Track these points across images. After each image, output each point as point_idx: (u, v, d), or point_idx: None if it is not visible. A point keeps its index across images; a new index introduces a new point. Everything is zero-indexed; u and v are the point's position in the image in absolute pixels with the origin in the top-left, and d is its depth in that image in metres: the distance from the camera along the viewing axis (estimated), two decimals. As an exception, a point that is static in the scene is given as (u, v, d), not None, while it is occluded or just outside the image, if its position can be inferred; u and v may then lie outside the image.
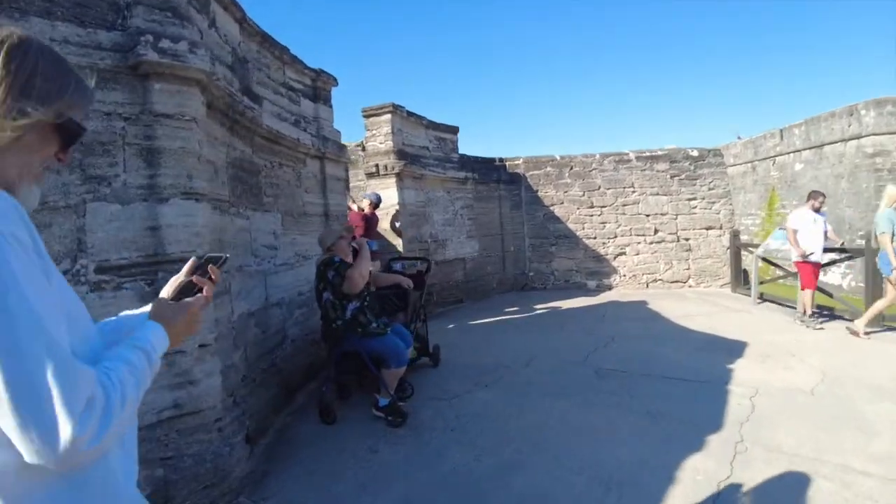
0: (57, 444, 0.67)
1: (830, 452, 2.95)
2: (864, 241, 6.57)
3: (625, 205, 10.40)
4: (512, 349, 5.66)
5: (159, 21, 2.55)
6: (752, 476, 2.75)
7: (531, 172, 10.55)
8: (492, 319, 7.57)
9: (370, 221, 6.54)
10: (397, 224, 7.62)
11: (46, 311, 0.70)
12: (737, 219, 10.76)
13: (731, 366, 4.69)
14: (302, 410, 3.95)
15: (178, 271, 2.62)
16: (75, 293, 0.87)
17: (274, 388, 3.80)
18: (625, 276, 10.37)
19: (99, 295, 2.35)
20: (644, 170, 10.36)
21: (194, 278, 1.05)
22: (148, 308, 1.01)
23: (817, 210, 6.24)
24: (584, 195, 10.46)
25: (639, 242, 10.37)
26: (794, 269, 6.68)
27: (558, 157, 10.63)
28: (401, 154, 7.73)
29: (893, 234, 5.15)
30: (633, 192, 10.39)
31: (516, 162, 10.62)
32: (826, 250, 6.38)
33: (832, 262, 7.32)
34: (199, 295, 1.04)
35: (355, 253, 3.77)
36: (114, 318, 1.06)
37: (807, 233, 6.17)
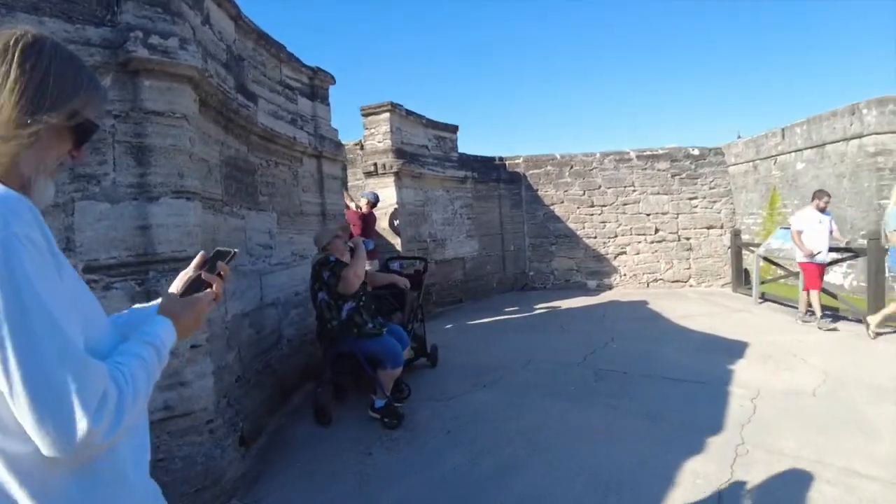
0: (73, 437, 0.69)
1: (833, 455, 2.90)
2: (865, 241, 6.51)
3: (625, 204, 10.35)
4: (511, 349, 5.62)
5: (149, 17, 2.51)
6: (753, 479, 2.71)
7: (531, 171, 10.50)
8: (491, 319, 7.53)
9: (368, 220, 6.49)
10: (396, 223, 7.57)
11: (60, 309, 0.72)
12: (738, 218, 10.70)
13: (732, 366, 4.64)
14: (297, 411, 3.91)
15: (168, 271, 2.59)
16: (89, 289, 0.89)
17: (269, 388, 3.76)
18: (625, 275, 10.32)
19: (87, 295, 2.30)
20: (645, 169, 10.30)
21: (203, 275, 1.05)
22: (158, 301, 1.04)
23: (822, 210, 6.16)
24: (584, 194, 10.41)
25: (639, 242, 10.31)
26: (796, 269, 6.62)
27: (558, 156, 10.58)
28: (399, 153, 7.69)
29: None
30: (634, 191, 10.33)
31: (516, 161, 10.57)
32: (831, 250, 6.32)
33: (834, 262, 7.24)
34: (207, 291, 1.04)
35: (352, 252, 3.73)
36: (126, 311, 1.08)
37: (812, 233, 6.10)
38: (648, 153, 10.35)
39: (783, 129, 10.27)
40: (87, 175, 2.33)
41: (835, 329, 5.91)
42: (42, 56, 0.80)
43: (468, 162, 9.61)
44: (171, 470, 2.46)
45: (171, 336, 0.94)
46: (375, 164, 7.52)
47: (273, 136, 4.16)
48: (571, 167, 10.46)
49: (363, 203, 6.59)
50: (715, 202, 10.30)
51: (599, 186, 10.39)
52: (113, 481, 0.83)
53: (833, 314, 6.43)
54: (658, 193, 10.28)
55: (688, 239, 10.23)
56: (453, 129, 9.38)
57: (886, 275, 6.04)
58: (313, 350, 4.40)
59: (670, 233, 10.25)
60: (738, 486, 2.66)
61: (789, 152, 10.10)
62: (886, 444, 3.02)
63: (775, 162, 10.46)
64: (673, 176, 10.27)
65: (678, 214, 10.24)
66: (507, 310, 8.25)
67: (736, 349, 5.22)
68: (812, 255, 6.05)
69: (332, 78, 5.44)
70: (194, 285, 1.05)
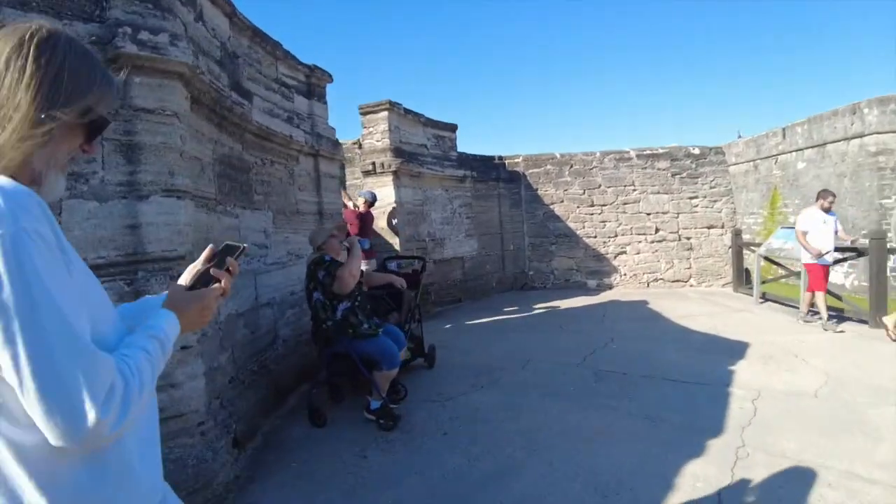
0: (82, 428, 0.70)
1: (835, 458, 2.86)
2: (866, 241, 6.46)
3: (625, 203, 10.29)
4: (510, 349, 5.58)
5: (139, 13, 2.46)
6: (753, 482, 2.67)
7: (531, 171, 10.45)
8: (490, 319, 7.48)
9: (365, 220, 6.45)
10: (394, 221, 7.53)
11: (69, 304, 0.73)
12: (739, 217, 10.65)
13: (733, 367, 4.60)
14: (293, 412, 3.86)
15: (158, 271, 2.55)
16: (98, 282, 0.90)
17: (263, 389, 3.72)
18: (625, 275, 10.27)
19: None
20: (645, 168, 10.25)
21: (212, 271, 1.03)
22: (165, 294, 1.04)
23: (827, 210, 6.08)
24: (584, 193, 10.35)
25: (639, 241, 10.26)
26: (797, 269, 6.57)
27: (558, 155, 10.53)
28: (398, 152, 7.65)
29: None
30: (634, 190, 10.28)
31: (516, 160, 10.52)
32: (836, 249, 6.25)
33: (839, 262, 7.16)
34: (215, 286, 1.03)
35: (348, 252, 3.68)
36: (134, 302, 1.09)
37: (817, 233, 6.02)
38: (649, 152, 10.30)
39: (784, 129, 10.22)
40: (75, 173, 2.28)
41: (842, 331, 5.84)
42: (57, 51, 0.80)
43: (467, 161, 9.56)
44: (161, 473, 2.42)
45: (175, 330, 0.94)
46: (374, 163, 7.48)
47: (268, 134, 4.12)
48: (571, 166, 10.41)
49: (361, 202, 6.55)
50: (715, 201, 10.25)
51: (599, 186, 10.34)
52: (119, 472, 0.84)
53: (838, 315, 6.37)
54: (658, 193, 10.22)
55: (688, 238, 10.18)
56: (452, 127, 9.33)
57: (888, 274, 5.99)
58: (309, 350, 4.36)
59: (671, 232, 10.20)
60: (739, 489, 2.62)
61: (790, 152, 10.05)
62: (888, 447, 2.98)
63: (776, 161, 10.41)
64: (673, 175, 10.21)
65: (678, 214, 10.18)
66: (506, 309, 8.21)
67: (737, 350, 5.17)
68: (820, 256, 5.98)
69: (330, 76, 5.39)
70: (202, 279, 1.04)
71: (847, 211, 8.71)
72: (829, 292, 6.29)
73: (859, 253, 6.73)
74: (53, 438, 0.71)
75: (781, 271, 8.28)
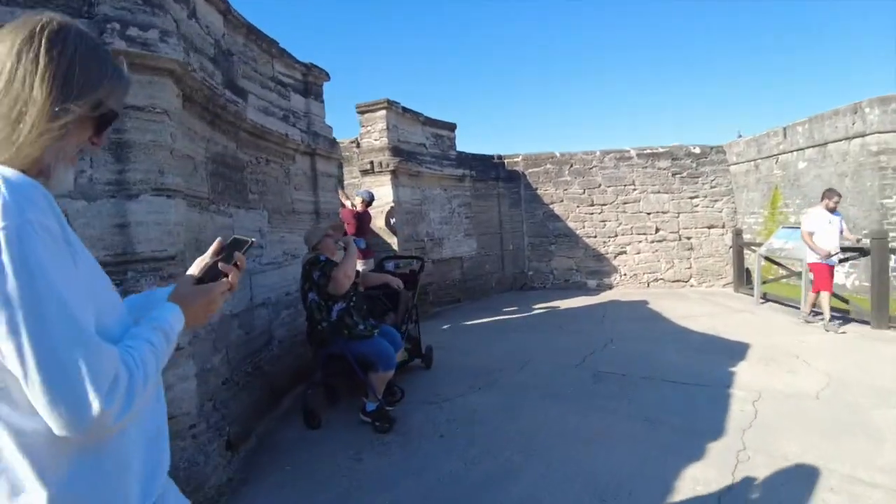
0: (86, 418, 0.71)
1: (837, 461, 2.81)
2: (868, 240, 6.40)
3: (625, 203, 10.24)
4: (508, 350, 5.53)
5: (129, 8, 2.42)
6: (754, 486, 2.62)
7: (530, 170, 10.40)
8: (489, 319, 7.44)
9: (362, 219, 6.40)
10: (392, 221, 7.48)
11: (73, 295, 0.73)
12: (739, 217, 10.59)
13: (734, 368, 4.55)
14: (287, 414, 3.82)
15: (148, 271, 2.50)
16: (105, 275, 0.90)
17: (258, 391, 3.68)
18: (625, 275, 10.22)
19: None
20: (645, 167, 10.19)
21: (220, 265, 1.03)
22: (172, 286, 1.05)
23: (832, 210, 6.01)
24: (584, 193, 10.30)
25: (640, 241, 10.21)
26: (798, 269, 6.51)
27: (558, 155, 10.48)
28: (396, 151, 7.60)
29: None
30: (634, 189, 10.23)
31: (515, 159, 10.47)
32: (840, 249, 6.19)
33: (844, 261, 7.09)
34: (222, 280, 1.03)
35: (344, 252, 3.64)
36: (141, 294, 1.10)
37: (822, 233, 5.95)
38: (649, 151, 10.24)
39: (785, 128, 10.17)
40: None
41: (843, 332, 5.78)
42: (68, 44, 0.80)
43: (466, 160, 9.52)
44: (151, 477, 2.37)
45: (180, 323, 0.94)
46: (372, 162, 7.43)
47: (264, 132, 4.07)
48: (571, 165, 10.35)
49: (358, 202, 6.50)
50: (716, 201, 10.19)
51: (599, 185, 10.28)
52: (116, 465, 0.84)
53: (842, 316, 6.31)
54: (659, 192, 10.17)
55: (689, 238, 10.12)
56: (451, 126, 9.28)
57: (890, 274, 5.94)
58: (305, 351, 4.31)
59: (671, 232, 10.14)
60: (740, 492, 2.58)
61: (791, 151, 9.99)
62: (891, 450, 2.93)
63: (777, 161, 10.35)
64: (674, 175, 10.16)
65: (679, 213, 10.13)
66: (505, 310, 8.16)
67: (737, 350, 5.13)
68: (829, 256, 5.92)
69: (327, 74, 5.35)
70: (210, 273, 1.04)
71: (848, 211, 8.65)
72: (835, 295, 6.23)
73: (864, 253, 6.67)
74: (57, 428, 0.72)
75: (782, 271, 8.22)
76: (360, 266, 5.16)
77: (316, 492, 2.76)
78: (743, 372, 4.46)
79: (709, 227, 10.12)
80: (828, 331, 5.82)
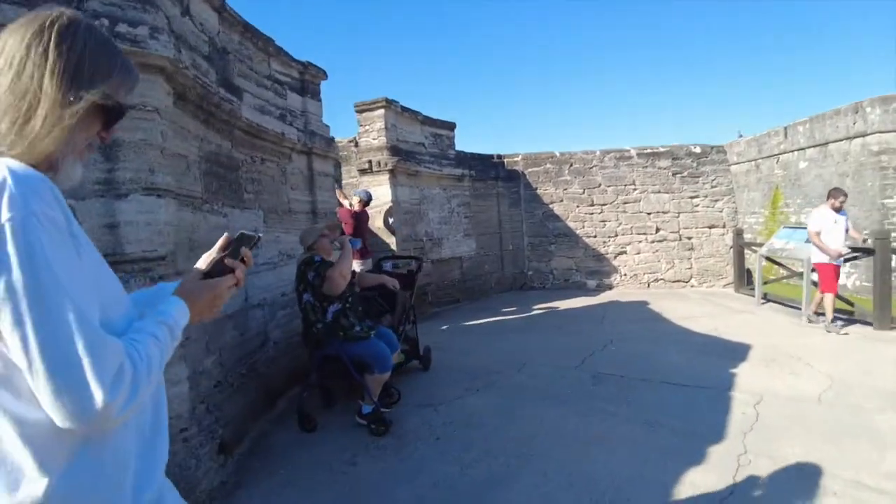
0: (89, 409, 0.71)
1: (840, 466, 2.76)
2: (871, 240, 6.35)
3: (626, 202, 10.19)
4: (507, 351, 5.48)
5: (118, 5, 2.37)
6: (755, 491, 2.58)
7: (530, 169, 10.35)
8: (488, 320, 7.39)
9: (360, 219, 6.35)
10: (391, 220, 7.44)
11: (77, 288, 0.73)
12: (740, 217, 10.55)
13: (734, 370, 4.50)
14: (282, 417, 3.77)
15: (138, 272, 2.45)
16: (110, 270, 0.90)
17: (253, 393, 3.63)
18: (625, 275, 10.17)
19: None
20: (645, 167, 10.14)
21: (227, 261, 1.03)
22: (179, 281, 1.04)
23: (838, 209, 5.93)
24: (584, 193, 10.25)
25: (640, 241, 10.16)
26: (799, 269, 6.46)
27: (558, 154, 10.43)
28: (394, 150, 7.55)
29: None
30: (635, 189, 10.17)
31: (515, 159, 10.42)
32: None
33: (849, 260, 7.02)
34: (228, 276, 1.03)
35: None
36: (147, 288, 1.10)
37: (828, 233, 5.88)
38: (649, 151, 10.19)
39: (786, 128, 10.13)
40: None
41: (846, 334, 5.73)
42: (77, 38, 0.81)
43: (466, 160, 9.47)
44: (141, 482, 2.33)
45: (184, 317, 0.94)
46: (370, 162, 7.39)
47: (259, 131, 4.03)
48: (571, 165, 10.30)
49: (355, 201, 6.46)
50: (717, 201, 10.14)
51: (599, 185, 10.23)
52: (115, 459, 0.84)
53: (846, 319, 6.25)
54: (659, 192, 10.12)
55: (689, 238, 10.07)
56: (450, 126, 9.24)
57: (892, 274, 5.88)
58: (301, 352, 4.26)
59: (671, 232, 10.09)
60: (741, 498, 2.53)
61: (792, 151, 9.95)
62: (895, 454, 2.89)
63: (778, 161, 10.31)
64: (674, 174, 10.11)
65: (679, 213, 10.08)
66: (504, 310, 8.11)
67: (738, 352, 5.08)
68: (840, 256, 5.86)
69: (324, 73, 5.30)
70: (216, 268, 1.03)
71: (849, 210, 8.60)
72: (837, 295, 6.17)
73: (870, 252, 6.61)
74: (60, 419, 0.72)
75: (783, 272, 8.18)
76: (356, 266, 5.12)
77: (310, 496, 2.72)
78: (744, 374, 4.41)
79: (709, 227, 10.06)
80: (829, 332, 5.77)
